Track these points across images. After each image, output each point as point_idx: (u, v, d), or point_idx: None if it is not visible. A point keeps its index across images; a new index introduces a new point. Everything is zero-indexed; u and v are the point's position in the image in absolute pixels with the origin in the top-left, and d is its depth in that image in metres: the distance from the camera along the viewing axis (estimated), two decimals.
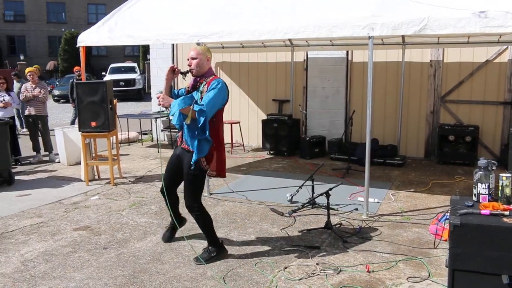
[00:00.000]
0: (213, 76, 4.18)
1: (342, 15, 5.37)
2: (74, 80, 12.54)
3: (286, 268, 4.12)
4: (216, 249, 4.35)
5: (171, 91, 4.34)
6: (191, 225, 4.96)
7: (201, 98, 4.05)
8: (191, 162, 4.07)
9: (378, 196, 6.22)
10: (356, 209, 5.71)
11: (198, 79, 4.21)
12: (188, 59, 4.18)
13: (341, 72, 9.26)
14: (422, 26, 4.88)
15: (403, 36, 7.95)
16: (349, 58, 9.17)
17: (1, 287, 3.89)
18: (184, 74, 4.19)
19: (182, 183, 4.31)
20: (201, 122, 3.92)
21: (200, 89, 4.14)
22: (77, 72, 12.93)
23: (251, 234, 4.96)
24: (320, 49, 9.05)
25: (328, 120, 9.49)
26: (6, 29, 42.93)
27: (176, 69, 4.24)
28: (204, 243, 4.51)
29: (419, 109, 8.77)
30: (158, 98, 4.09)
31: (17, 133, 9.74)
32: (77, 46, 7.12)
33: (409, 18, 4.96)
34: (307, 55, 9.52)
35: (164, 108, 4.20)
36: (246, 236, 4.91)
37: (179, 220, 4.78)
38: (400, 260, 4.24)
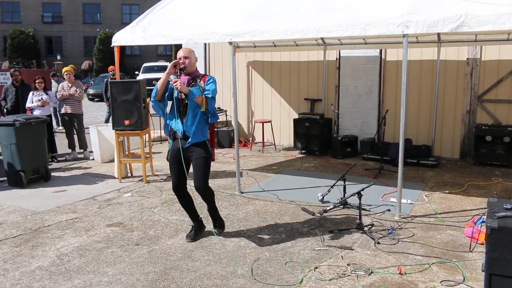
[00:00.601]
0: (205, 74, 4.73)
1: (376, 13, 5.28)
2: (109, 79, 12.78)
3: (316, 268, 4.09)
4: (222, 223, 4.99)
5: (168, 84, 4.59)
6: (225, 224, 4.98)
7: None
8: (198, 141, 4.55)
9: (411, 197, 6.10)
10: (389, 210, 5.62)
11: (189, 76, 4.60)
12: (180, 58, 4.54)
13: (374, 71, 9.13)
14: (459, 23, 4.75)
15: (438, 34, 7.77)
16: (383, 56, 9.03)
17: (39, 279, 4.00)
18: (182, 70, 4.52)
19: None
20: (213, 108, 4.61)
21: (198, 84, 4.53)
22: (111, 71, 13.17)
23: (281, 233, 4.94)
24: (353, 48, 8.94)
25: (360, 120, 9.38)
26: (44, 30, 44.19)
27: (178, 65, 4.51)
28: (234, 240, 4.54)
29: (454, 108, 8.56)
30: (175, 83, 4.35)
31: (53, 131, 9.97)
32: (111, 46, 7.25)
33: (445, 15, 4.84)
34: (339, 53, 9.42)
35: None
36: (277, 235, 4.90)
37: (199, 225, 4.94)
38: (433, 263, 4.15)
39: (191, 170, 4.66)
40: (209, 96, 4.48)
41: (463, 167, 8.01)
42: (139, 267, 4.20)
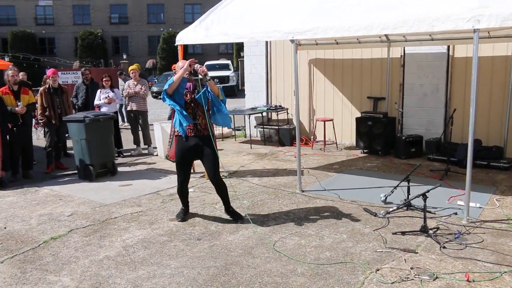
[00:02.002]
0: None
1: (444, 8, 5.06)
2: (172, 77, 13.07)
3: (378, 270, 3.99)
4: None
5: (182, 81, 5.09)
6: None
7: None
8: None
9: (481, 200, 5.81)
10: (455, 214, 5.37)
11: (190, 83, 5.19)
12: (190, 63, 5.01)
13: (441, 68, 8.78)
14: None
15: None
16: (451, 53, 8.66)
17: (106, 268, 4.17)
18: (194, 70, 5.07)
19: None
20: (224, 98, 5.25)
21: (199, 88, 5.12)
22: (174, 69, 13.49)
23: (342, 234, 4.86)
24: (418, 44, 8.64)
25: (426, 119, 9.05)
26: (112, 30, 46.05)
27: (192, 64, 5.00)
28: (294, 239, 4.51)
29: None
30: (202, 67, 5.00)
31: (119, 127, 10.35)
32: (175, 44, 7.42)
33: None
34: (404, 50, 9.15)
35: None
36: (338, 235, 4.83)
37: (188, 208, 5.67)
38: (505, 272, 3.91)
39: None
40: (220, 87, 5.26)
41: None
42: (201, 261, 4.27)
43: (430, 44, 8.50)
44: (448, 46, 8.63)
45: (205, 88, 5.08)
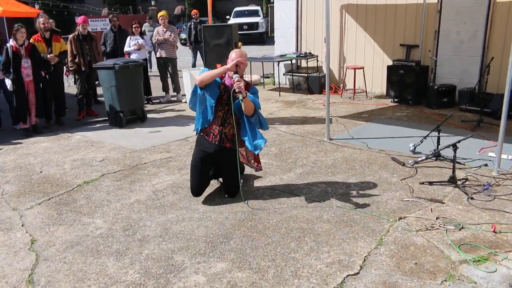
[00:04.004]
0: (248, 82, 4.59)
1: None
2: (192, 23, 12.91)
3: (403, 218, 4.00)
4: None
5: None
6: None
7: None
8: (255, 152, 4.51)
9: None
10: (486, 165, 5.28)
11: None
12: (237, 62, 4.32)
13: (480, 14, 8.35)
14: None
15: None
16: None
17: (137, 211, 4.33)
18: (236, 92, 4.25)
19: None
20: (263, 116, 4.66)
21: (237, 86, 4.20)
22: (194, 15, 13.24)
23: (369, 182, 4.86)
24: None
25: (460, 68, 8.74)
26: None
27: (240, 65, 4.34)
28: (321, 186, 4.54)
29: None
30: (239, 81, 4.20)
31: (148, 74, 10.38)
32: None
33: None
34: None
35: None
36: (365, 184, 4.83)
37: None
38: None
39: None
40: (259, 106, 4.47)
41: None
42: (228, 206, 4.37)
43: None
44: None
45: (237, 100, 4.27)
